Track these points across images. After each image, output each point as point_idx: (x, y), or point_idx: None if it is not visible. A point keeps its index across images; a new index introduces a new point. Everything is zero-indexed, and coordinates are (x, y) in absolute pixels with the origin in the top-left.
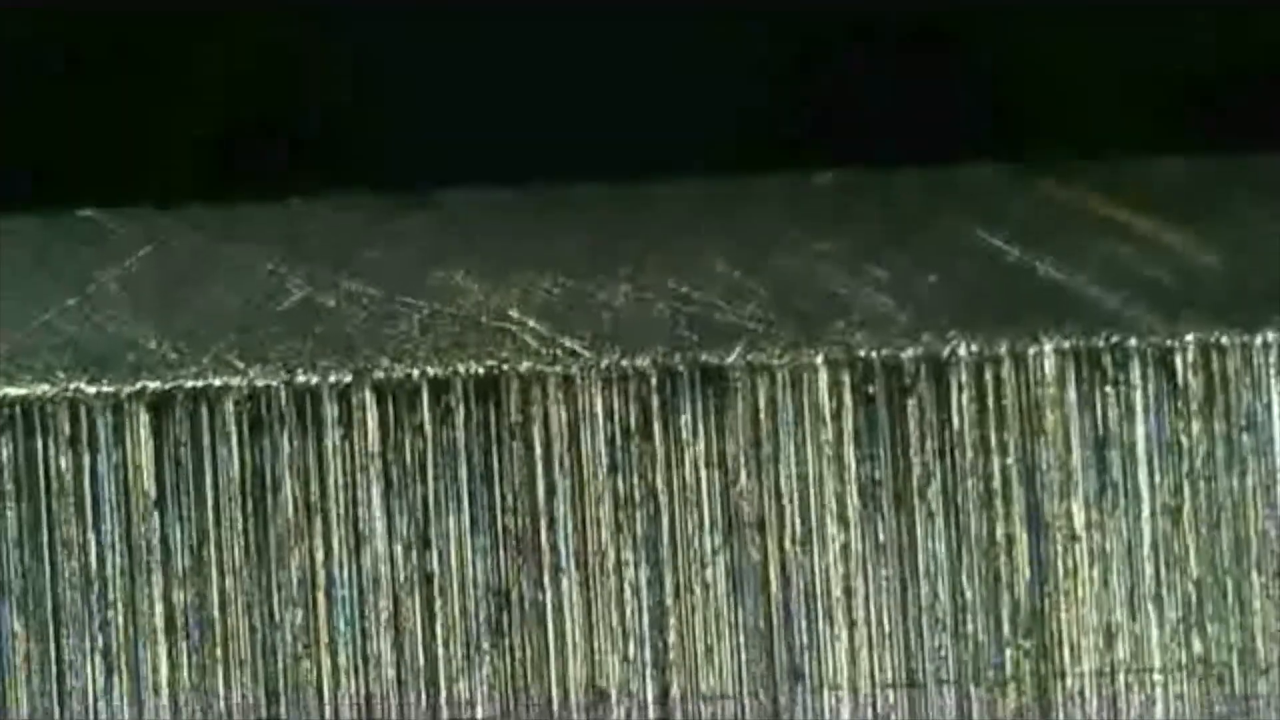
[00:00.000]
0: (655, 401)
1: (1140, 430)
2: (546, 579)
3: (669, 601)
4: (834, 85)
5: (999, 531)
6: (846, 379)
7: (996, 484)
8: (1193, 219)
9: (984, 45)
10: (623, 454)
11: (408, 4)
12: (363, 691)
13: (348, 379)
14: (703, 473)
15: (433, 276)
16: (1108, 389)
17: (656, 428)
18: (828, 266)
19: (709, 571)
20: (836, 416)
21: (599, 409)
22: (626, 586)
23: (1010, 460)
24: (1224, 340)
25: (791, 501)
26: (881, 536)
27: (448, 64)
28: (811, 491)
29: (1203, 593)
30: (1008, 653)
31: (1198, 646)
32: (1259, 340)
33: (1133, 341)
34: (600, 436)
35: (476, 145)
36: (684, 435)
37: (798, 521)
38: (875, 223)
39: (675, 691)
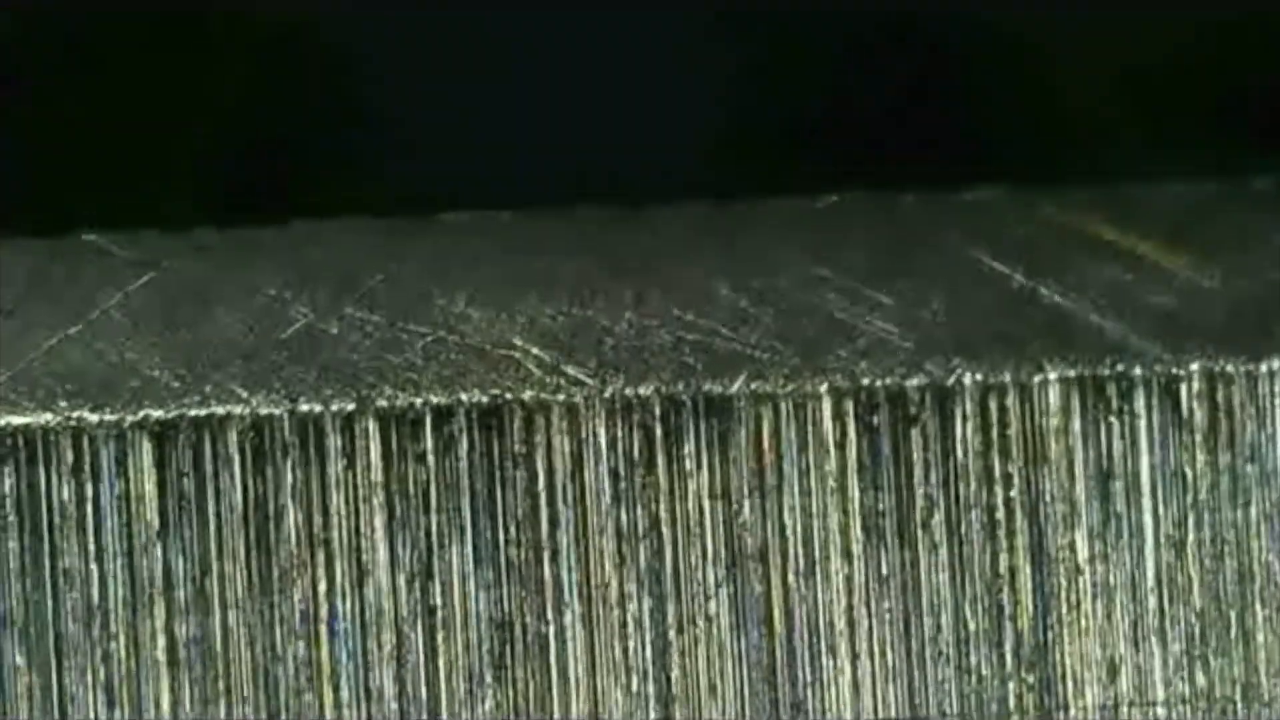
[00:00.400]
0: (659, 431)
1: (1145, 461)
2: (549, 611)
3: (671, 634)
4: (837, 108)
5: (1002, 563)
6: (850, 408)
7: (1000, 515)
8: (1197, 244)
9: (987, 68)
10: (626, 484)
11: (411, 29)
12: None
13: (351, 407)
14: (705, 504)
15: (436, 303)
16: (1111, 419)
17: (660, 458)
18: (831, 292)
19: (712, 604)
20: (840, 446)
21: (602, 438)
22: (629, 619)
23: (1014, 491)
24: (1229, 369)
25: (794, 533)
26: (885, 569)
27: (450, 87)
28: (815, 523)
29: (1206, 625)
30: (1010, 686)
31: (1201, 680)
32: (1264, 368)
33: (1137, 370)
34: (604, 466)
35: (479, 169)
36: (687, 465)
37: (800, 553)
38: (878, 247)
39: None
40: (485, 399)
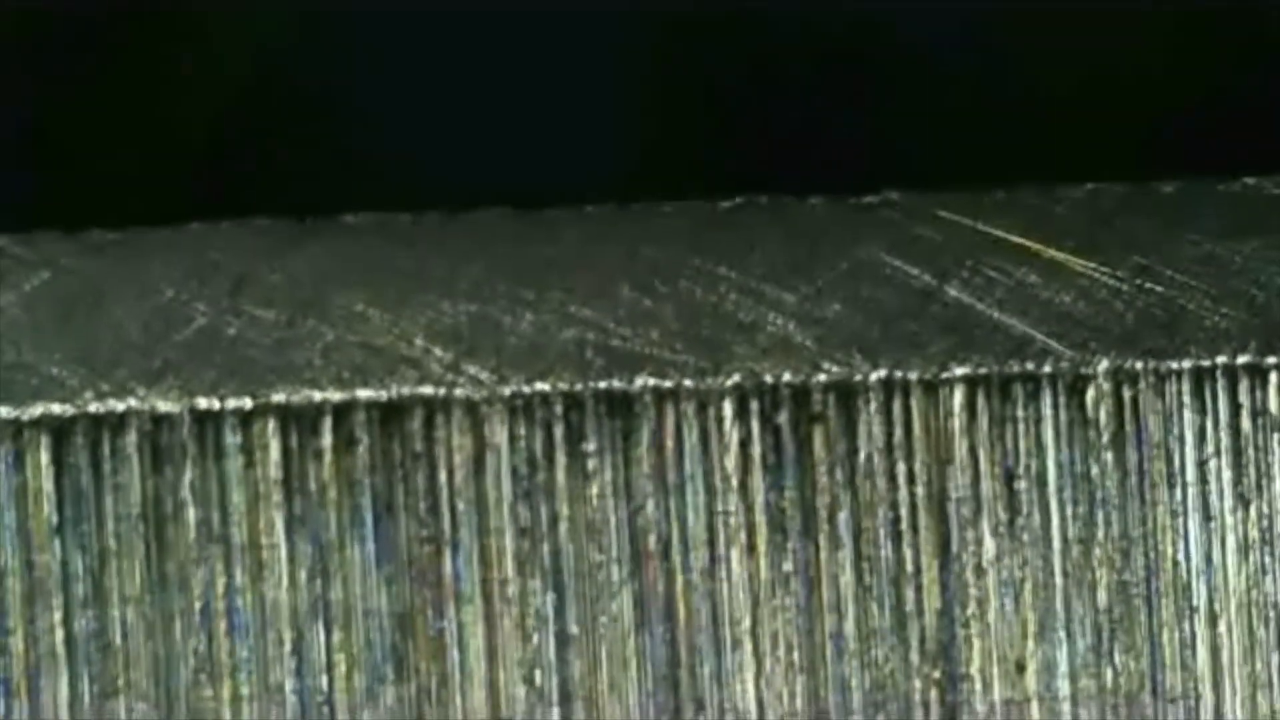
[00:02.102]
0: (560, 429)
1: (1051, 460)
2: (450, 608)
3: (573, 631)
4: (739, 111)
5: (907, 561)
6: (754, 406)
7: (905, 513)
8: (1101, 246)
9: (892, 70)
10: (527, 482)
11: (308, 29)
12: None
13: (249, 405)
14: (609, 501)
15: (334, 302)
16: (1018, 417)
17: (560, 456)
18: (733, 292)
19: (614, 602)
20: (744, 444)
21: (503, 437)
22: (530, 616)
23: (919, 489)
24: (1135, 367)
25: (697, 531)
26: (788, 566)
27: (352, 89)
28: (718, 520)
29: (1113, 622)
30: (915, 682)
31: (1108, 676)
32: (1168, 369)
33: (1046, 369)
34: (504, 464)
35: (378, 169)
36: (589, 464)
37: (703, 551)
38: (781, 249)
39: None
40: (385, 397)
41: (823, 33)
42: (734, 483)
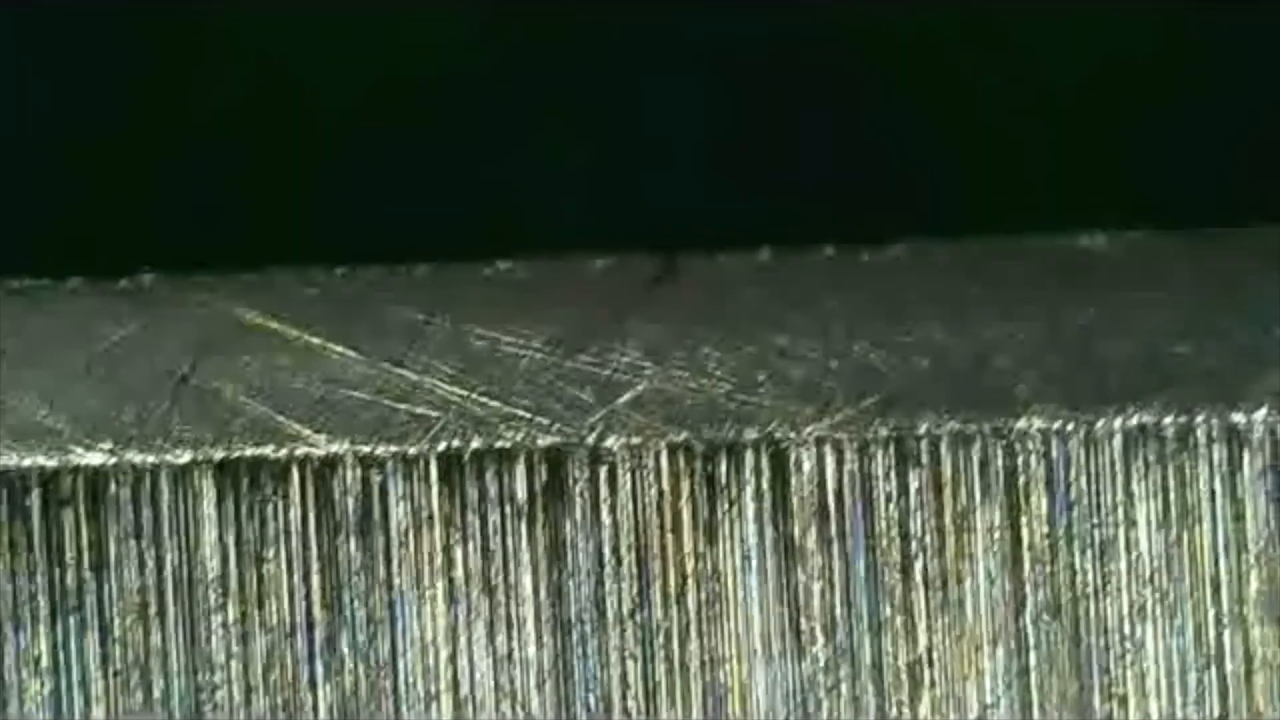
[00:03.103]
0: None
1: (298, 543)
2: None
3: None
4: None
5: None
6: (3, 492)
7: (153, 597)
8: (342, 329)
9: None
10: None
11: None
12: None
13: None
14: None
15: None
16: (265, 499)
17: None
18: None
19: None
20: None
21: None
22: None
23: (166, 573)
24: (385, 453)
25: None
26: (40, 649)
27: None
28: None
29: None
30: None
31: None
32: (412, 454)
33: (298, 452)
34: None
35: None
36: None
37: None
38: (36, 330)
39: None
40: None
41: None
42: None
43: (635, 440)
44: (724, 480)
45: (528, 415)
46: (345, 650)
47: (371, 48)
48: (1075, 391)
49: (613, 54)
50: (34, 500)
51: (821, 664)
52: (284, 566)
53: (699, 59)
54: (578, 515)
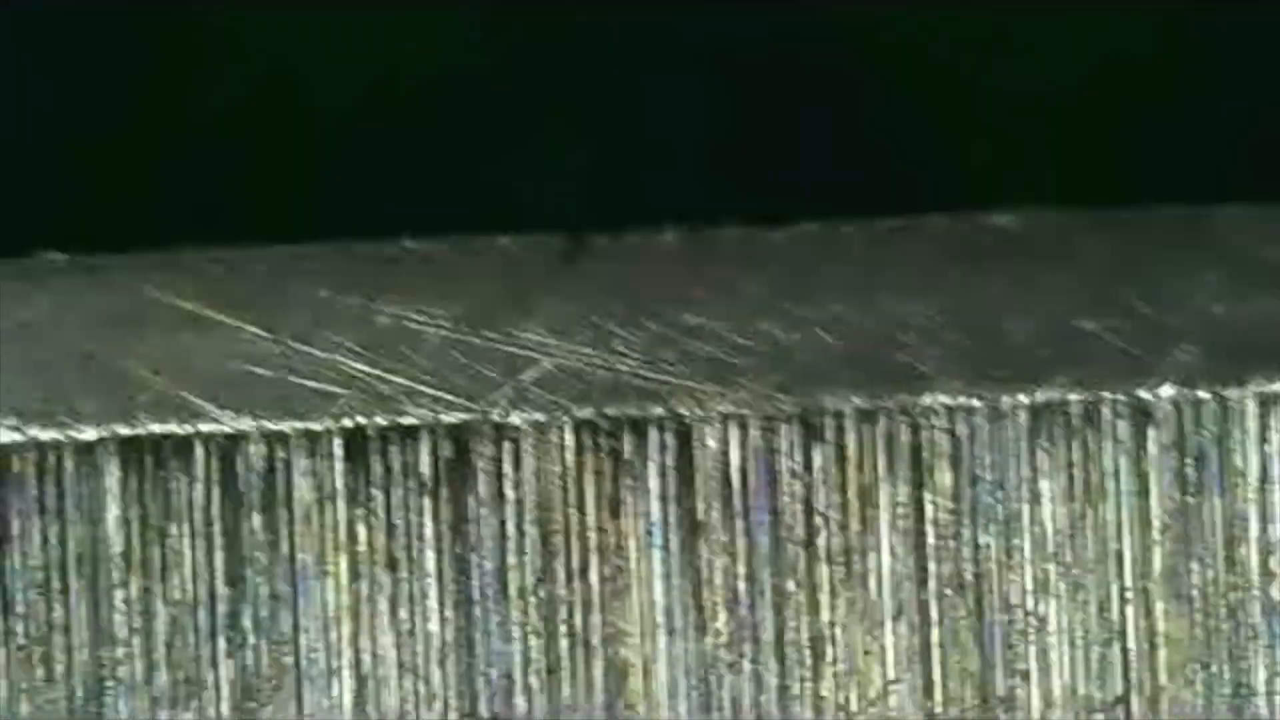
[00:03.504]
0: None
1: (200, 520)
2: None
3: None
4: None
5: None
6: None
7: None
8: (249, 307)
9: None
10: None
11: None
12: None
13: None
14: None
15: None
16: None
17: None
18: None
19: None
20: None
21: None
22: None
23: (70, 549)
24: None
25: None
26: None
27: None
28: None
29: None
30: None
31: None
32: (315, 430)
33: (202, 429)
34: None
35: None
36: None
37: None
38: None
39: None
40: None
41: None
42: None
43: (540, 417)
44: (628, 456)
45: (432, 392)
46: (248, 626)
47: (371, 48)
48: (981, 368)
49: (613, 54)
50: None
51: (724, 639)
52: (187, 542)
53: (699, 59)
54: (482, 491)
